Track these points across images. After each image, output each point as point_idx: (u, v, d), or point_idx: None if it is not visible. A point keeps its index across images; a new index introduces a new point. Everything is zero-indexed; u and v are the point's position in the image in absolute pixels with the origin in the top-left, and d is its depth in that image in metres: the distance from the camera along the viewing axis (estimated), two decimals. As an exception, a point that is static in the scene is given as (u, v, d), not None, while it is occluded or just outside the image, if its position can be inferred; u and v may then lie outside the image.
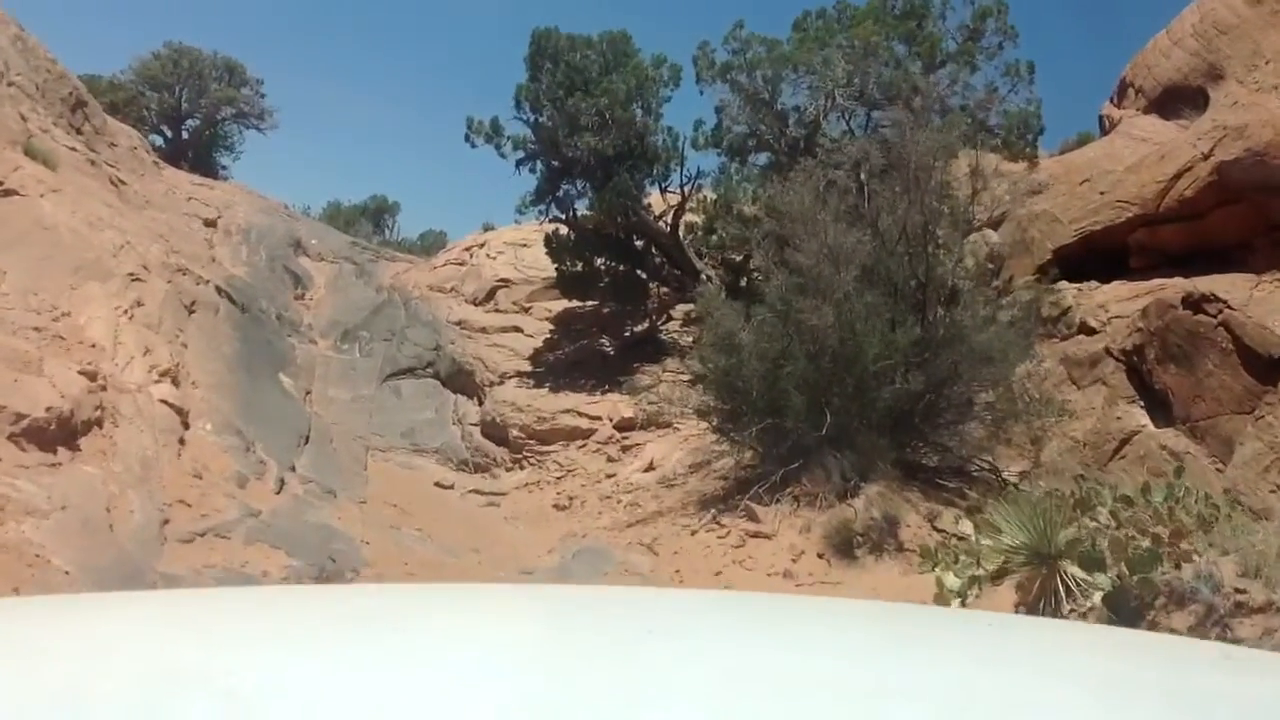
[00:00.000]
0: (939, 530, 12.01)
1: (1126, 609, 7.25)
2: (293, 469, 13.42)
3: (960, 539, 9.64)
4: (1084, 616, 7.72)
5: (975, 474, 13.39)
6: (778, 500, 12.28)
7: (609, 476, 15.38)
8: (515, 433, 17.27)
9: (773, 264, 13.34)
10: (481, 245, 25.51)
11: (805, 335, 12.56)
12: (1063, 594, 7.69)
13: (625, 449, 16.13)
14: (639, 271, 19.85)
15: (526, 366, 19.42)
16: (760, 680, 1.58)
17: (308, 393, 19.30)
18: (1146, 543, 7.68)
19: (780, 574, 11.07)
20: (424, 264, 28.74)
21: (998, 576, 8.80)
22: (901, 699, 1.53)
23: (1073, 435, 14.11)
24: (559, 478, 16.01)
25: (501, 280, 22.77)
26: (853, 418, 12.44)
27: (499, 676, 1.57)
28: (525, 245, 23.77)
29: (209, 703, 1.40)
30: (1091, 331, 15.28)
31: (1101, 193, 16.94)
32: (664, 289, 20.09)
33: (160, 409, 11.65)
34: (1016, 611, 8.08)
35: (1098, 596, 7.45)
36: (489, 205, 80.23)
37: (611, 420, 16.89)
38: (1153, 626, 7.01)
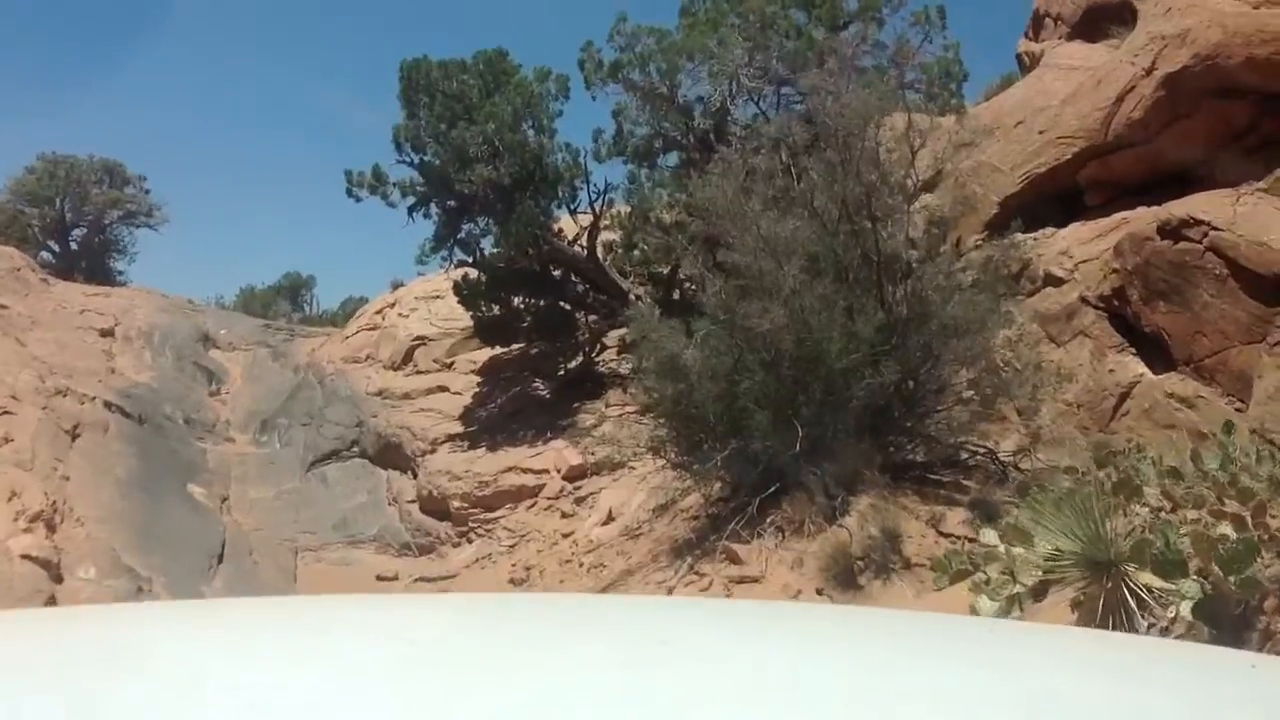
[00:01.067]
0: (945, 535, 10.49)
1: (1226, 618, 5.78)
2: (200, 597, 11.62)
3: (983, 548, 8.10)
4: (1166, 631, 6.24)
5: (970, 462, 11.90)
6: (759, 535, 10.69)
7: (566, 536, 13.73)
8: (456, 503, 15.56)
9: (705, 270, 11.78)
10: (392, 305, 23.81)
11: (757, 343, 11.00)
12: (1134, 607, 6.19)
13: (579, 501, 14.49)
14: (562, 303, 18.23)
15: (458, 427, 17.72)
16: (776, 689, 1.55)
17: (224, 499, 17.49)
18: (1227, 529, 6.19)
19: (779, 622, 9.49)
20: (339, 335, 27.03)
21: (1039, 593, 7.30)
22: (919, 706, 1.49)
23: (1064, 399, 12.67)
24: (511, 546, 14.34)
25: (418, 339, 21.07)
26: (826, 426, 10.90)
27: (512, 686, 1.53)
28: (438, 297, 22.09)
29: (230, 713, 1.40)
30: (1059, 282, 13.86)
31: (1040, 132, 15.59)
32: (592, 317, 18.49)
33: (21, 568, 9.85)
34: (1077, 634, 6.57)
35: (1185, 606, 5.93)
36: (402, 261, 78.09)
37: (559, 471, 15.25)
38: (1269, 636, 5.57)
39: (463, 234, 17.57)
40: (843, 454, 10.81)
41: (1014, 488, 10.90)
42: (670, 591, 10.60)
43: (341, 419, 19.86)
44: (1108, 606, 6.27)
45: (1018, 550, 7.52)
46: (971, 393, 11.76)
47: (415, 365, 20.44)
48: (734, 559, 10.56)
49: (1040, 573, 7.25)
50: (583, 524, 13.74)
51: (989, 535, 7.98)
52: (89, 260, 44.43)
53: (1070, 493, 7.76)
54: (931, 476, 11.60)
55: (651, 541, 12.09)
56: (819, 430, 10.84)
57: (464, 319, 19.48)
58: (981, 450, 11.83)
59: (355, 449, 19.06)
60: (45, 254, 41.43)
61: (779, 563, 10.27)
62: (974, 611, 7.29)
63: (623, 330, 18.37)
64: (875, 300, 11.36)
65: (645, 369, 11.76)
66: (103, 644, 1.81)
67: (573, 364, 18.57)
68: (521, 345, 18.99)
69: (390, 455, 18.09)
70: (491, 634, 2.02)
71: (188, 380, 25.42)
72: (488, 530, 15.14)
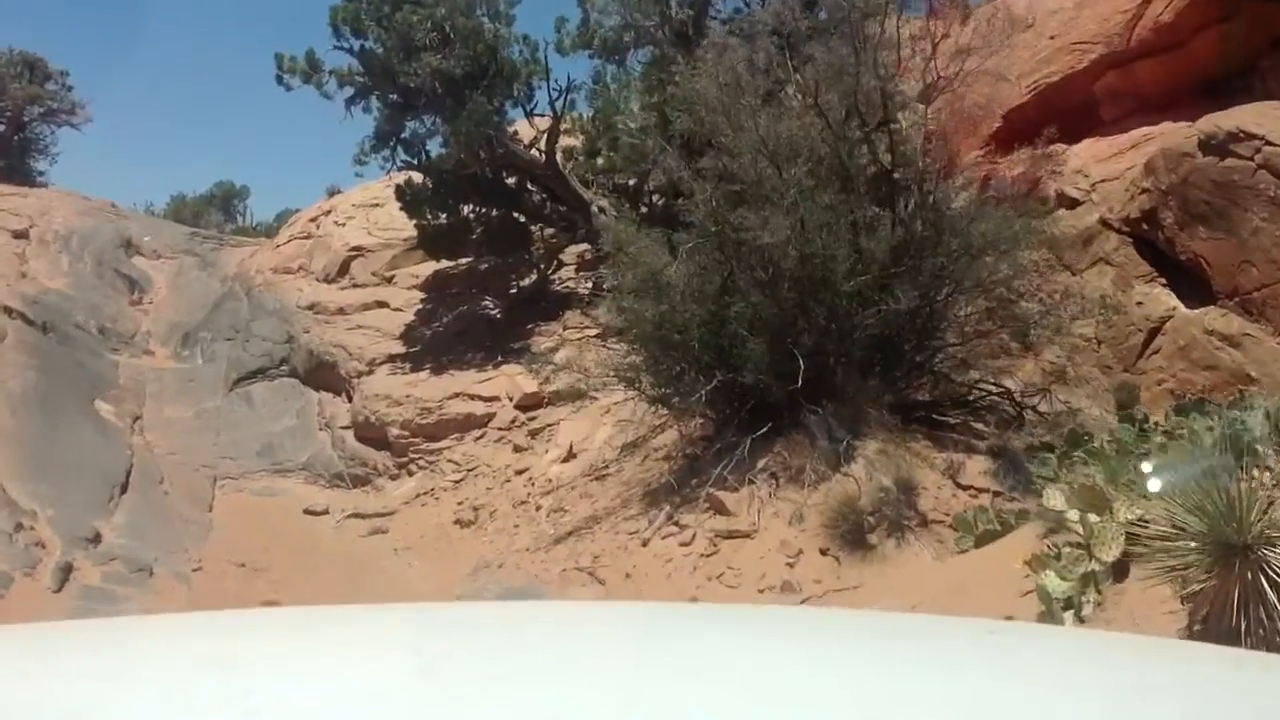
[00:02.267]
0: (963, 488, 9.11)
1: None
2: (95, 540, 9.96)
3: (1048, 513, 6.68)
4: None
5: (980, 402, 10.51)
6: (750, 481, 9.26)
7: (520, 473, 12.19)
8: (396, 431, 13.94)
9: (690, 175, 10.15)
10: (328, 213, 21.84)
11: (752, 260, 9.48)
12: (1277, 601, 4.84)
13: (534, 434, 12.93)
14: (516, 215, 16.48)
15: (399, 348, 16.02)
16: (774, 695, 1.50)
17: (136, 419, 15.73)
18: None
19: (777, 587, 8.09)
20: (270, 245, 25.09)
21: (1119, 571, 5.94)
22: (921, 713, 1.46)
23: (1081, 333, 11.29)
24: (457, 481, 12.79)
25: (354, 249, 19.18)
26: (828, 358, 9.45)
27: (519, 693, 1.48)
28: (377, 205, 20.22)
29: None
30: (1074, 203, 12.42)
31: (1052, 37, 14.07)
32: (549, 231, 16.78)
33: None
34: (1191, 631, 5.22)
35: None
36: (341, 169, 74.52)
37: (511, 399, 13.68)
38: None
39: (406, 133, 15.68)
40: (847, 391, 9.39)
41: (1039, 434, 9.59)
42: (645, 544, 9.17)
43: (269, 334, 18.05)
44: (1241, 598, 4.91)
45: (1093, 519, 6.14)
46: (989, 324, 10.37)
47: (352, 278, 18.61)
48: (720, 508, 9.13)
49: (1118, 546, 5.89)
50: (539, 460, 12.20)
51: (1053, 497, 6.56)
52: (7, 160, 42.27)
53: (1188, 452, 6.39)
54: (939, 418, 10.22)
55: (620, 484, 10.61)
56: (820, 362, 9.39)
57: (406, 229, 17.67)
58: (995, 389, 10.45)
59: (284, 367, 17.30)
60: None
61: (774, 516, 8.85)
62: (1042, 593, 5.92)
63: (583, 246, 16.75)
64: (887, 214, 9.86)
65: (620, 287, 10.17)
66: (92, 655, 1.74)
67: (526, 281, 16.87)
68: (470, 259, 17.22)
69: (322, 375, 16.37)
70: (494, 643, 1.91)
71: (107, 288, 23.81)
72: (430, 463, 13.55)
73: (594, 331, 14.59)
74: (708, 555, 8.67)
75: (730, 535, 8.79)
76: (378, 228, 19.33)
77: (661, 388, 10.19)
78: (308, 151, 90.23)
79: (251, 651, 1.81)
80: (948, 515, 8.73)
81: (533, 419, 13.28)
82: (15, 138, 42.62)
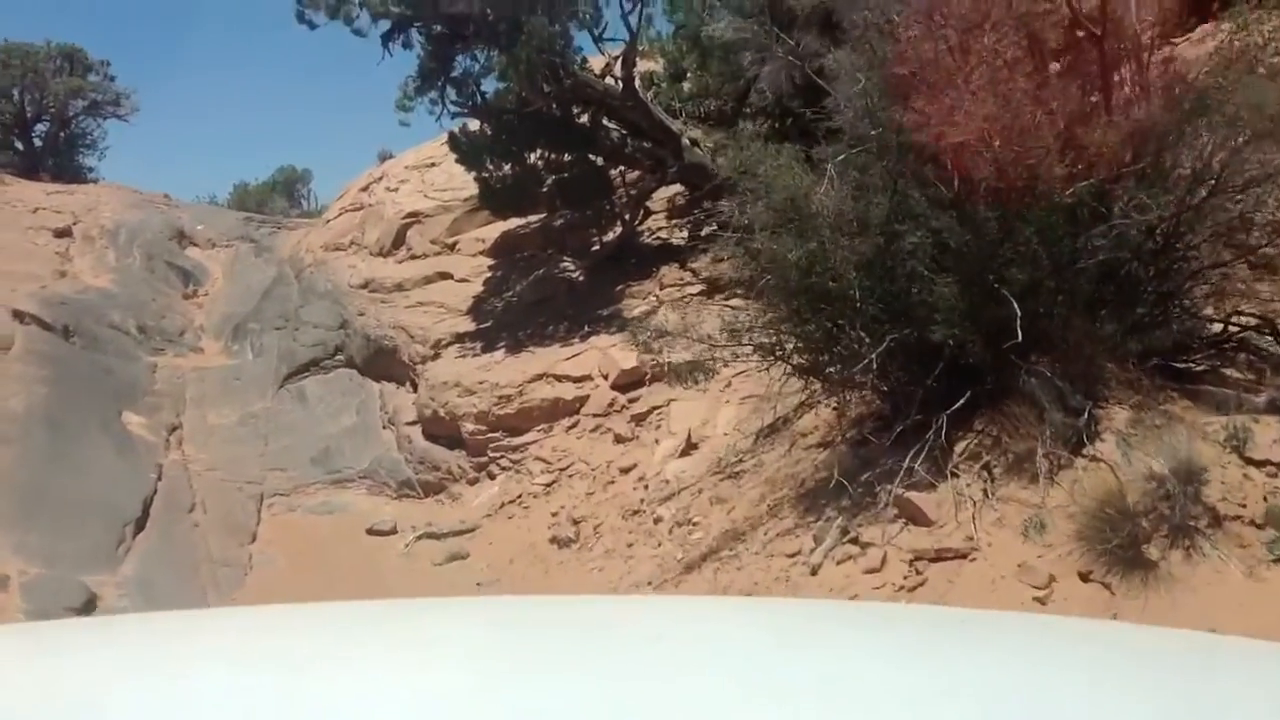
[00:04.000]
0: (1256, 464, 6.47)
1: None
2: (89, 605, 7.79)
3: None
4: None
5: (1229, 342, 7.79)
6: (952, 474, 6.71)
7: (626, 471, 9.74)
8: (470, 426, 11.57)
9: (833, 59, 7.53)
10: (379, 179, 19.49)
11: (931, 169, 6.87)
12: None
13: (639, 420, 10.46)
14: (592, 157, 13.92)
15: (467, 325, 13.63)
16: (768, 687, 1.46)
17: (173, 430, 13.59)
18: None
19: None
20: (320, 221, 23.04)
21: None
22: (928, 705, 1.40)
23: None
24: (549, 485, 10.38)
25: (410, 216, 16.77)
26: (1046, 296, 6.84)
27: (515, 688, 1.45)
28: (433, 164, 17.83)
29: None
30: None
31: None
32: (632, 174, 14.24)
33: None
34: None
35: None
36: (395, 134, 71.49)
37: (607, 377, 11.22)
38: None
39: (456, 70, 13.21)
40: (1070, 341, 6.79)
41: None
42: (815, 572, 6.67)
43: (321, 320, 15.79)
44: None
45: None
46: (1242, 237, 7.64)
47: (409, 249, 16.24)
48: (915, 516, 6.61)
49: None
50: (649, 454, 9.72)
51: None
52: (56, 157, 41.07)
53: None
54: (1184, 367, 7.54)
55: (762, 484, 8.08)
56: (1031, 307, 6.77)
57: (467, 187, 15.26)
58: (1256, 322, 7.71)
59: (339, 357, 15.06)
60: (11, 153, 38.17)
61: (998, 524, 6.28)
62: None
63: (673, 189, 14.24)
64: (1100, 95, 7.18)
65: (744, 224, 7.58)
66: (97, 654, 1.71)
67: (610, 236, 14.35)
68: (542, 216, 14.75)
69: (382, 363, 14.07)
70: (492, 638, 1.82)
71: (158, 282, 21.92)
72: (515, 462, 11.17)
73: (695, 288, 12.12)
74: (910, 588, 6.16)
75: (938, 556, 6.26)
76: (434, 189, 16.90)
77: (813, 354, 7.62)
78: (369, 128, 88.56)
79: (250, 647, 1.75)
80: (1245, 506, 6.14)
81: (634, 401, 10.83)
82: (61, 134, 41.20)
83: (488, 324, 13.44)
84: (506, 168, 13.71)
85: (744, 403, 9.22)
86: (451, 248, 15.68)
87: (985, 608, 5.80)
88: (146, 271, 23.26)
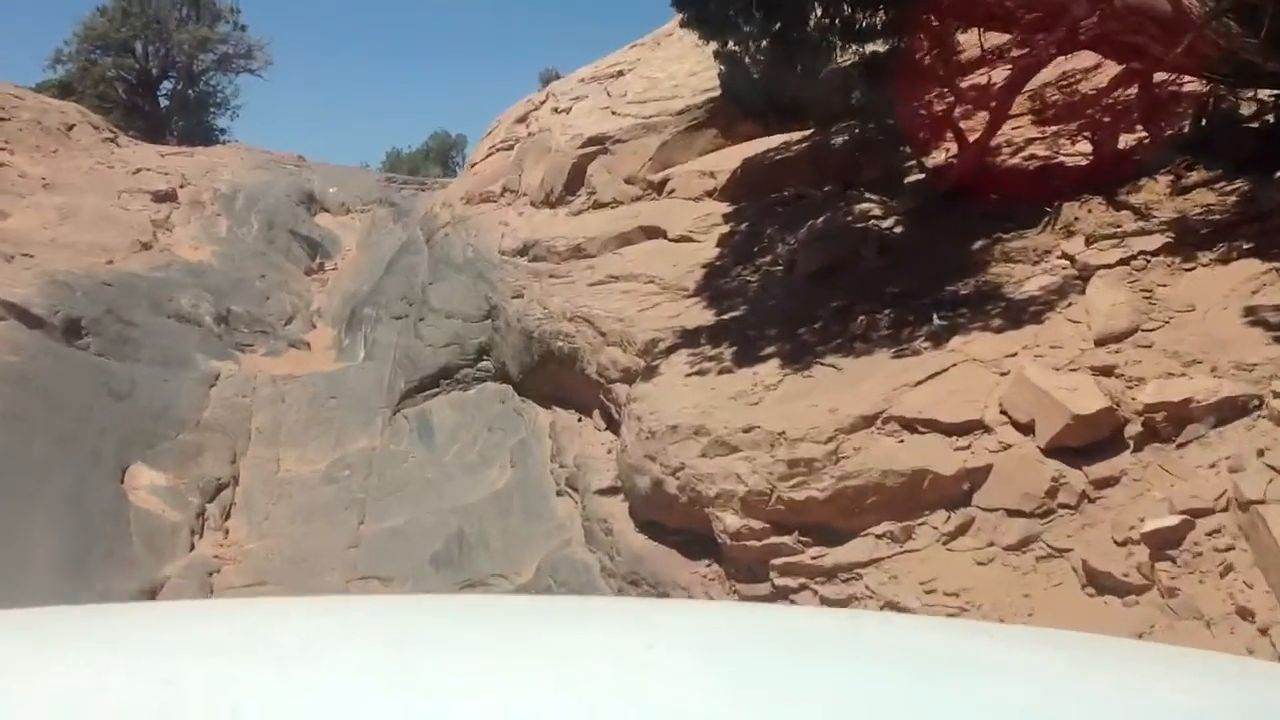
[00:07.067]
0: None
1: None
2: None
3: None
4: None
5: None
6: None
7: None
8: (733, 520, 5.74)
9: None
10: (543, 102, 13.74)
11: None
12: None
13: (1120, 522, 4.44)
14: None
15: (699, 313, 7.78)
16: (762, 693, 1.40)
17: (218, 488, 8.32)
18: None
19: None
20: (466, 168, 18.09)
21: None
22: (911, 713, 1.35)
23: None
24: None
25: (592, 142, 10.85)
26: None
27: (504, 689, 1.39)
28: (621, 72, 12.04)
29: (214, 718, 1.31)
30: None
31: None
32: (1000, 39, 8.19)
33: None
34: None
35: None
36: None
37: (1029, 426, 5.22)
38: None
39: None
40: None
41: None
42: None
43: (458, 305, 10.20)
44: None
45: None
46: None
47: (591, 193, 10.38)
48: None
49: None
50: (1197, 612, 3.76)
51: None
52: (184, 118, 37.54)
53: None
54: None
55: None
56: None
57: (682, 92, 9.48)
58: None
59: (484, 363, 9.49)
60: (136, 114, 34.96)
61: None
62: None
63: (1045, 76, 8.18)
64: None
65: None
66: (85, 644, 1.61)
67: (941, 157, 8.35)
68: (809, 130, 8.88)
69: (553, 377, 8.39)
70: (479, 638, 1.73)
71: (276, 255, 18.84)
72: (830, 600, 5.36)
73: (1150, 239, 6.12)
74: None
75: None
76: (628, 100, 11.00)
77: None
78: (521, 91, 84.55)
79: (237, 641, 1.67)
80: None
81: (1108, 484, 4.86)
82: (190, 91, 37.35)
83: (738, 312, 7.58)
84: (765, 43, 7.74)
85: None
86: (660, 188, 9.78)
87: None
88: (264, 242, 19.57)
